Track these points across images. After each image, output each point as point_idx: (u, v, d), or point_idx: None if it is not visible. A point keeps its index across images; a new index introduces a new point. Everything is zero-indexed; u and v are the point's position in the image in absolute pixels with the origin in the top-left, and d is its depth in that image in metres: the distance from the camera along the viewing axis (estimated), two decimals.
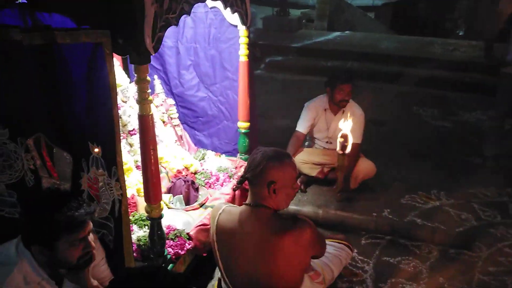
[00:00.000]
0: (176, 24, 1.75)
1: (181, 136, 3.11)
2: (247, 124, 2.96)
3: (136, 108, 2.68)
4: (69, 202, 1.47)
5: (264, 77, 6.17)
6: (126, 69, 2.93)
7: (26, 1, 1.63)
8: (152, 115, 1.73)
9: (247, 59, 2.80)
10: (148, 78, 1.68)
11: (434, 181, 3.30)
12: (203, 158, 3.05)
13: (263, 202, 1.72)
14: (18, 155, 1.93)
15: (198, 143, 3.26)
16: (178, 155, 2.86)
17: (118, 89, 2.59)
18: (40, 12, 1.73)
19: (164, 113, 3.00)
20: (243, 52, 2.77)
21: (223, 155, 3.11)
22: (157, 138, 2.70)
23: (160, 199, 1.89)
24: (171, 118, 3.07)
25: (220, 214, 1.82)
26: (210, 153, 3.11)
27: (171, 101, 3.10)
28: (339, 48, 6.70)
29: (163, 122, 2.98)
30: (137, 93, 1.69)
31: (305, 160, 3.42)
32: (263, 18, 8.24)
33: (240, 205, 1.80)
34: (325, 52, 6.64)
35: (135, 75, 1.68)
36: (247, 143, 3.00)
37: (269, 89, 5.55)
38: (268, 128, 4.08)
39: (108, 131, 1.69)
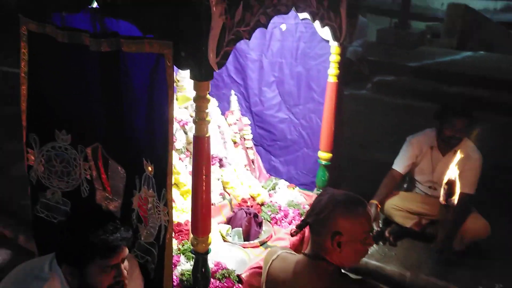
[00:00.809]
0: (249, 38, 1.75)
1: (252, 161, 3.13)
2: (328, 155, 2.87)
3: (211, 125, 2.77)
4: (105, 224, 1.54)
5: (369, 99, 5.94)
6: None
7: (98, 6, 1.79)
8: (208, 137, 1.75)
9: (337, 80, 2.72)
10: (209, 96, 1.71)
11: None
12: (273, 188, 3.02)
13: (325, 255, 1.61)
14: (77, 163, 2.12)
15: (272, 170, 3.26)
16: (246, 182, 2.87)
17: (188, 103, 2.71)
18: (109, 18, 1.90)
19: (236, 133, 3.06)
20: (333, 71, 2.71)
21: (298, 187, 3.05)
22: (224, 160, 2.85)
23: (209, 232, 1.88)
24: (244, 139, 3.11)
25: (273, 260, 1.74)
26: (282, 184, 3.07)
27: (246, 120, 3.16)
28: (468, 72, 6.14)
29: (234, 142, 3.03)
30: (194, 112, 1.73)
31: (399, 207, 3.17)
32: (378, 30, 8.01)
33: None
34: (449, 75, 6.14)
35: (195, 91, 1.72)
36: (327, 177, 2.91)
37: (373, 113, 5.32)
38: (362, 160, 3.89)
39: (162, 149, 1.74)
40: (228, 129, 3.01)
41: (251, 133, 3.16)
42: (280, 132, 3.20)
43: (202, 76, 1.64)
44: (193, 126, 2.66)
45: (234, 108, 3.12)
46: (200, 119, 1.73)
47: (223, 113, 3.08)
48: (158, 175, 1.79)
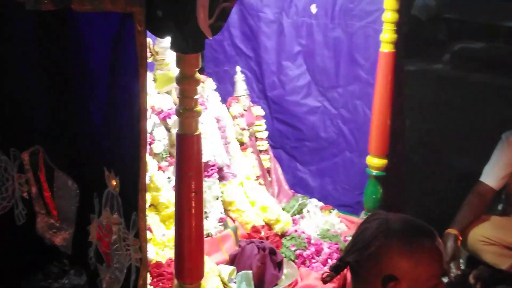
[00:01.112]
0: None
1: (268, 170, 3.13)
2: (382, 162, 2.86)
3: (206, 117, 2.79)
4: (48, 265, 1.55)
5: (446, 77, 5.87)
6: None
7: None
8: (198, 136, 1.75)
9: (394, 50, 2.72)
10: (199, 76, 1.71)
11: None
12: (300, 212, 3.02)
13: None
14: (9, 175, 2.15)
15: (297, 185, 3.25)
16: (259, 202, 2.88)
17: (172, 86, 2.71)
18: None
19: (244, 129, 3.06)
20: (388, 37, 2.71)
21: (336, 210, 3.05)
22: (226, 170, 2.84)
23: (201, 277, 1.89)
24: (256, 138, 3.12)
25: None
26: (313, 205, 3.07)
27: (258, 110, 3.17)
28: None
29: (241, 144, 3.03)
30: (178, 99, 1.74)
31: (490, 239, 3.12)
32: None
33: None
34: None
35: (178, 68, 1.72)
36: (379, 195, 2.90)
37: (451, 99, 5.26)
38: (433, 169, 3.85)
39: (131, 154, 1.75)
40: (232, 124, 3.02)
41: (266, 130, 3.16)
42: (310, 128, 3.20)
43: (188, 46, 1.64)
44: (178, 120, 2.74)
45: (240, 92, 3.13)
46: (186, 109, 1.72)
47: (224, 100, 3.09)
48: (127, 192, 1.79)
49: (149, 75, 2.68)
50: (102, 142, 1.88)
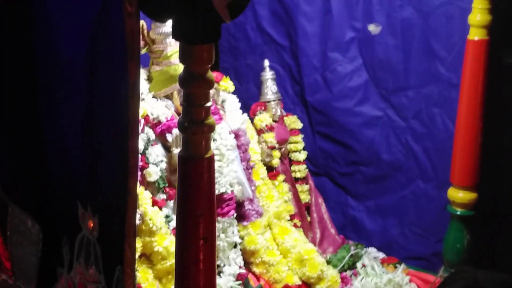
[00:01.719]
0: None
1: (307, 207, 3.18)
2: (471, 197, 2.86)
3: (221, 131, 2.81)
4: None
5: None
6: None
7: None
8: (210, 159, 1.75)
9: (488, 36, 2.72)
10: (211, 74, 1.71)
11: None
12: (352, 266, 3.04)
13: None
14: None
15: (349, 227, 3.30)
16: (294, 251, 2.89)
17: (173, 88, 2.72)
18: None
19: (275, 148, 3.09)
20: (478, 18, 2.70)
21: (404, 264, 3.06)
22: (248, 206, 2.88)
23: None
24: (291, 161, 3.16)
25: None
26: (372, 256, 3.11)
27: (294, 121, 3.22)
28: None
29: (271, 169, 3.06)
30: (182, 107, 1.73)
31: None
32: None
33: None
34: None
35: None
36: (466, 243, 2.90)
37: None
38: None
39: (114, 184, 1.76)
40: (257, 141, 3.05)
41: (304, 149, 3.20)
42: (366, 147, 3.23)
43: (197, 33, 1.64)
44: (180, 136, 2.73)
45: (269, 96, 3.16)
46: (194, 121, 1.72)
47: (246, 108, 3.11)
48: (108, 237, 1.80)
49: (142, 73, 2.70)
50: (76, 167, 1.89)
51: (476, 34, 2.74)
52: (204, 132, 1.76)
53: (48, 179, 2.02)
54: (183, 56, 1.73)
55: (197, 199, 1.79)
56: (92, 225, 1.88)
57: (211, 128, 1.76)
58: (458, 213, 2.90)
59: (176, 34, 1.71)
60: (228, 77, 3.04)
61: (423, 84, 3.05)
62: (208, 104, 1.76)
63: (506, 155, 3.02)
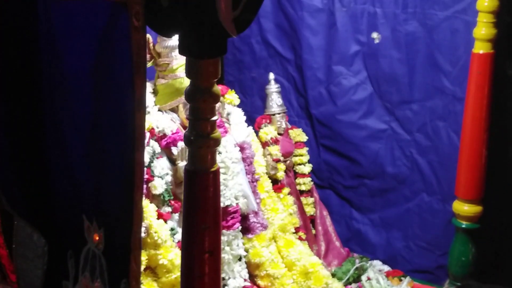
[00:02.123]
0: None
1: (312, 219, 3.17)
2: (476, 210, 2.86)
3: (226, 144, 2.82)
4: None
5: None
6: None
7: None
8: (215, 173, 1.75)
9: (493, 51, 2.72)
10: (217, 88, 1.72)
11: None
12: (357, 279, 3.04)
13: None
14: None
15: (354, 240, 3.30)
16: (299, 264, 2.89)
17: (178, 101, 2.72)
18: None
19: (280, 161, 3.09)
20: (483, 31, 2.71)
21: (409, 277, 3.04)
22: (253, 219, 2.86)
23: None
24: (296, 173, 3.16)
25: None
26: (377, 269, 3.09)
27: (299, 134, 3.21)
28: None
29: (276, 181, 3.06)
30: (188, 121, 1.73)
31: None
32: None
33: None
34: None
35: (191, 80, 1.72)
36: (472, 257, 2.89)
37: None
38: None
39: (119, 197, 1.76)
40: (262, 154, 3.05)
41: (309, 162, 3.20)
42: (371, 161, 3.23)
43: (203, 48, 1.65)
44: (186, 149, 2.73)
45: (274, 109, 3.17)
46: (199, 135, 1.73)
47: (251, 121, 3.12)
48: (114, 250, 1.80)
49: (148, 86, 2.70)
50: (81, 181, 1.89)
51: (481, 48, 2.74)
52: (210, 146, 1.77)
53: (53, 193, 2.02)
54: (190, 71, 1.74)
55: (203, 213, 1.79)
56: (97, 238, 1.88)
57: (217, 142, 1.77)
58: (463, 226, 2.89)
59: (182, 48, 1.71)
60: (233, 90, 3.03)
61: (427, 98, 3.05)
62: (214, 118, 1.76)
63: (511, 168, 3.03)
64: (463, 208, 2.87)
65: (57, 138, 1.96)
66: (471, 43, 2.77)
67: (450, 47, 2.93)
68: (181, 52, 1.72)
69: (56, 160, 1.99)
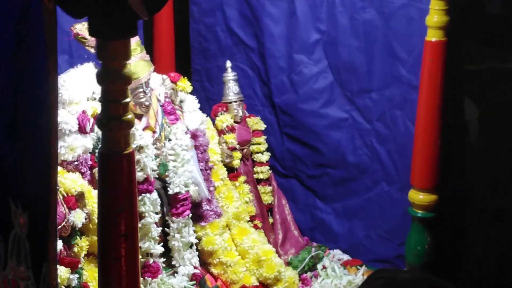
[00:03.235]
0: None
1: (269, 208, 3.17)
2: (431, 198, 2.84)
3: (177, 131, 2.82)
4: None
5: None
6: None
7: None
8: (129, 155, 1.74)
9: (445, 38, 2.72)
10: (128, 70, 1.71)
11: None
12: (314, 268, 3.04)
13: None
14: None
15: (317, 229, 3.31)
16: (252, 252, 2.89)
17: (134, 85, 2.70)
18: None
19: (235, 149, 3.09)
20: (435, 19, 2.69)
21: (365, 266, 3.06)
22: (206, 207, 2.85)
23: None
24: (254, 162, 3.16)
25: None
26: (336, 258, 3.10)
27: (258, 123, 3.22)
28: None
29: (232, 170, 3.07)
30: (101, 103, 1.73)
31: None
32: None
33: None
34: None
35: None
36: (427, 245, 2.88)
37: None
38: (502, 208, 3.74)
39: (39, 182, 1.77)
40: (217, 142, 3.05)
41: (267, 151, 3.20)
42: (332, 149, 3.23)
43: (112, 30, 1.64)
44: (142, 134, 2.73)
45: (230, 96, 3.17)
46: (111, 117, 1.73)
47: (207, 108, 3.14)
48: (36, 234, 1.79)
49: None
50: (6, 165, 1.89)
51: (433, 36, 2.74)
52: (122, 128, 1.76)
53: None
54: (99, 52, 1.73)
55: (117, 196, 1.79)
56: (22, 221, 1.87)
57: (130, 124, 1.76)
58: (419, 215, 2.89)
59: (91, 30, 1.71)
60: (185, 77, 3.03)
61: (385, 86, 3.05)
62: (126, 100, 1.76)
63: (466, 157, 3.01)
64: (418, 197, 2.87)
65: None
66: (426, 31, 2.77)
67: (406, 35, 2.93)
68: (90, 34, 1.72)
69: None
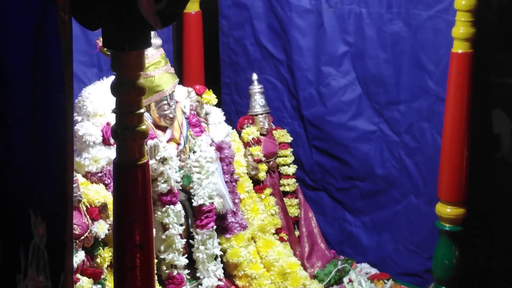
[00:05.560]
0: None
1: (295, 221, 3.16)
2: (459, 212, 2.82)
3: (202, 144, 2.83)
4: None
5: None
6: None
7: None
8: (144, 166, 1.74)
9: (472, 49, 2.69)
10: (141, 81, 1.71)
11: None
12: (340, 281, 3.02)
13: None
14: None
15: (346, 242, 3.29)
16: (278, 265, 2.88)
17: (155, 98, 2.70)
18: None
19: (261, 161, 3.09)
20: (461, 30, 2.68)
21: (391, 280, 3.02)
22: (231, 219, 2.87)
23: None
24: (280, 174, 3.15)
25: None
26: (364, 272, 3.08)
27: (284, 135, 3.22)
28: None
29: (259, 182, 3.07)
30: (116, 115, 1.73)
31: None
32: None
33: None
34: None
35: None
36: (455, 260, 2.86)
37: None
38: None
39: (56, 192, 1.78)
40: (242, 154, 3.05)
41: (293, 164, 3.20)
42: (361, 162, 3.22)
43: (125, 41, 1.65)
44: (166, 146, 2.74)
45: (257, 109, 3.17)
46: (126, 128, 1.73)
47: (237, 121, 3.15)
48: (54, 243, 1.80)
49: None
50: (26, 175, 1.90)
51: (459, 47, 2.71)
52: (137, 139, 1.77)
53: (3, 188, 2.02)
54: (113, 64, 1.74)
55: (131, 206, 1.79)
56: (41, 232, 1.88)
57: (144, 135, 1.77)
58: (446, 228, 2.86)
59: (105, 41, 1.72)
60: (210, 90, 3.04)
61: (413, 98, 3.04)
62: (141, 111, 1.76)
63: (495, 170, 2.98)
64: (446, 210, 2.85)
65: (2, 133, 1.97)
66: (451, 44, 2.75)
67: (433, 47, 2.92)
68: (104, 45, 1.73)
69: (3, 155, 2.00)
